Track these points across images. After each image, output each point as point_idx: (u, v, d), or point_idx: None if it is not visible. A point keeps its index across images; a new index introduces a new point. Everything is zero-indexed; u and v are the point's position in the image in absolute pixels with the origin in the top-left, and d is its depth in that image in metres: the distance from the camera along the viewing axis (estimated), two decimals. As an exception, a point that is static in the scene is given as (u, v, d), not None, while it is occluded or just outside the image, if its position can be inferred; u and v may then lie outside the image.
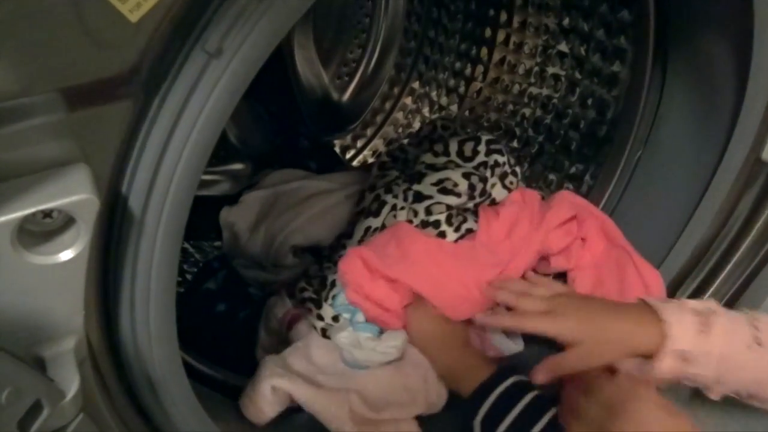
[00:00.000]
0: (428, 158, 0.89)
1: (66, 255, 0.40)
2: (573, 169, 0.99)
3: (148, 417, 0.51)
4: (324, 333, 0.76)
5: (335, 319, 0.76)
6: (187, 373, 0.52)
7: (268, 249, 0.86)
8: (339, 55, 1.23)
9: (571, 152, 1.00)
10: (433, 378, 0.74)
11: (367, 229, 0.84)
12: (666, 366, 0.62)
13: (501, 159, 0.86)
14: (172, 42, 0.40)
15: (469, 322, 0.77)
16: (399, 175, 0.89)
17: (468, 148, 0.87)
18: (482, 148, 0.87)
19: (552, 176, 1.01)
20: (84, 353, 0.44)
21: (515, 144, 1.07)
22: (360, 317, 0.74)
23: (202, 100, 0.41)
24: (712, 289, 0.84)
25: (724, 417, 0.87)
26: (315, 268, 0.85)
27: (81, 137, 0.39)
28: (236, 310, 0.85)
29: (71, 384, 0.42)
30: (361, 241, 0.84)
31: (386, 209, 0.84)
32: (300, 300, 0.80)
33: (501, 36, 1.09)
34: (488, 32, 1.10)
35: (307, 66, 1.15)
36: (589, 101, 0.97)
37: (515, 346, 0.81)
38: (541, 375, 0.65)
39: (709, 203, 0.77)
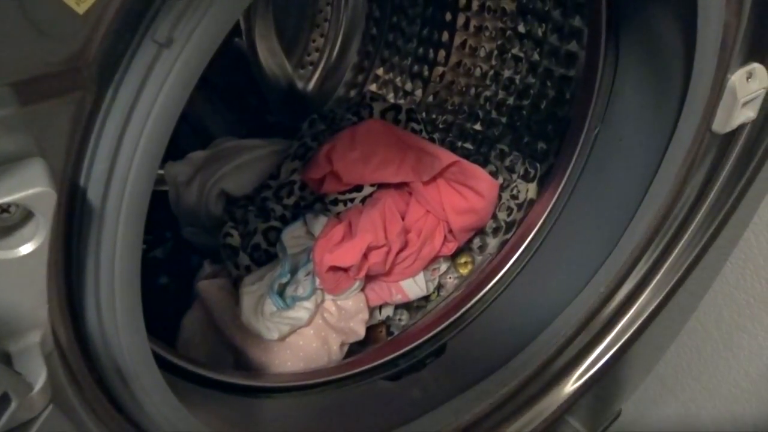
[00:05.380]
0: (353, 119, 1.00)
1: (26, 249, 0.40)
2: (536, 148, 1.00)
3: (120, 406, 0.52)
4: (236, 283, 0.87)
5: (248, 269, 0.88)
6: (157, 364, 0.53)
7: (200, 197, 0.93)
8: (302, 45, 1.23)
9: (533, 132, 1.01)
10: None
11: (293, 170, 0.96)
12: None
13: (417, 126, 1.02)
14: (122, 33, 0.40)
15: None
16: (325, 129, 1.01)
17: (390, 116, 1.01)
18: (402, 117, 1.02)
19: (516, 156, 1.03)
20: (51, 346, 0.44)
21: (479, 126, 1.09)
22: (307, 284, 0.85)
23: (155, 91, 0.41)
24: (671, 259, 0.87)
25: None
26: (240, 212, 0.94)
27: (35, 131, 0.39)
28: (176, 284, 0.92)
29: (38, 377, 0.42)
30: (286, 182, 0.95)
31: (311, 154, 0.96)
32: (222, 245, 0.90)
33: (461, 20, 1.10)
34: (449, 16, 1.11)
35: (270, 56, 1.15)
36: (549, 81, 0.99)
37: (420, 290, 0.92)
38: None
39: (664, 176, 0.79)
